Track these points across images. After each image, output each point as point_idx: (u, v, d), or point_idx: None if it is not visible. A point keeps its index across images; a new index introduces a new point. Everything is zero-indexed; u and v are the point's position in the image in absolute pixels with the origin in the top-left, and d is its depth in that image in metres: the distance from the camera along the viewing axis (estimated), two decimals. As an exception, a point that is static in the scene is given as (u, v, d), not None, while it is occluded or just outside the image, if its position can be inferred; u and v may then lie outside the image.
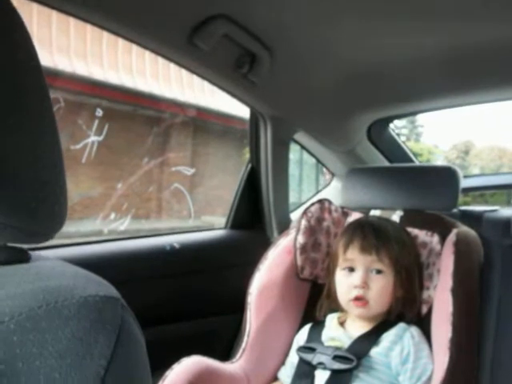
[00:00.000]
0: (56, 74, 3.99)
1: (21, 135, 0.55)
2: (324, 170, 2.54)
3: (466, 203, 2.04)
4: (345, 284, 1.47)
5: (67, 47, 4.31)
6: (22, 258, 0.60)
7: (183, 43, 1.37)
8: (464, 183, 1.65)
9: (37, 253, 0.64)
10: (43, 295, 0.48)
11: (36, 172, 0.56)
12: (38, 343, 0.45)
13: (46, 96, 0.59)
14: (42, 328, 0.46)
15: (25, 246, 0.62)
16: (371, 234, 1.47)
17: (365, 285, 1.43)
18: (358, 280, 1.43)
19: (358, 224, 1.56)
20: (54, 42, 4.18)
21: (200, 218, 5.22)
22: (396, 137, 2.33)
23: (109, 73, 4.68)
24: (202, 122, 5.85)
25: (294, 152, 2.60)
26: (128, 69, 4.85)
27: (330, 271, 1.57)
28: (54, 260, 0.63)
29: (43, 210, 0.58)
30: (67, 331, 0.46)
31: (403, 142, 2.39)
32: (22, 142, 0.55)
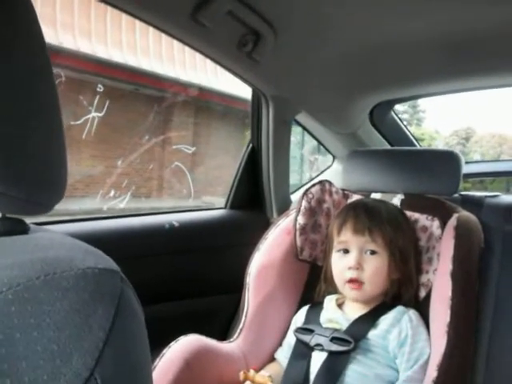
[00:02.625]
0: (60, 52, 3.98)
1: (18, 107, 0.54)
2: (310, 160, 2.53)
3: (465, 189, 2.03)
4: (339, 266, 1.48)
5: (71, 25, 4.29)
6: (21, 229, 0.60)
7: (187, 20, 1.35)
8: (464, 169, 1.65)
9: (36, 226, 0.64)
10: (41, 266, 0.48)
11: (36, 144, 0.56)
12: (35, 314, 0.45)
13: (49, 71, 0.59)
14: (40, 299, 0.45)
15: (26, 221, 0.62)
16: (364, 215, 1.47)
17: (359, 266, 1.43)
18: (351, 261, 1.43)
19: (351, 206, 1.57)
20: (59, 19, 4.16)
21: (200, 197, 5.21)
22: (398, 120, 2.33)
23: (113, 51, 4.66)
24: (203, 103, 5.83)
25: (296, 134, 2.59)
26: (132, 48, 4.82)
27: (327, 253, 1.57)
28: (53, 232, 0.63)
29: (43, 181, 0.57)
30: (65, 302, 0.46)
31: (405, 126, 2.38)
32: (20, 114, 0.54)
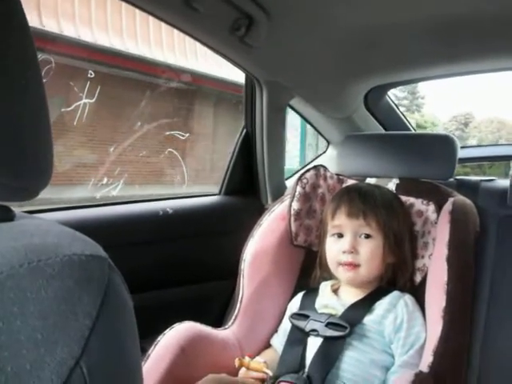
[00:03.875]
0: (59, 40, 3.95)
1: (4, 92, 0.53)
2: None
3: (465, 174, 2.03)
4: (334, 250, 1.48)
5: (72, 14, 4.26)
6: (6, 216, 0.59)
7: (179, 5, 1.34)
8: (461, 153, 1.64)
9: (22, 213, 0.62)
10: (25, 253, 0.47)
11: (21, 129, 0.54)
12: (18, 302, 0.44)
13: (32, 53, 0.57)
14: (24, 287, 0.44)
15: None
16: (357, 199, 1.47)
17: (353, 249, 1.43)
18: (346, 245, 1.43)
19: (345, 190, 1.57)
20: (60, 8, 4.14)
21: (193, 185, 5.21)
22: (393, 105, 2.31)
23: (114, 39, 4.63)
24: (197, 88, 5.80)
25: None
26: (122, 32, 4.79)
27: (321, 238, 1.57)
28: (40, 219, 0.62)
29: (28, 167, 0.56)
30: (50, 290, 0.45)
31: (401, 112, 2.37)
32: (5, 98, 0.53)
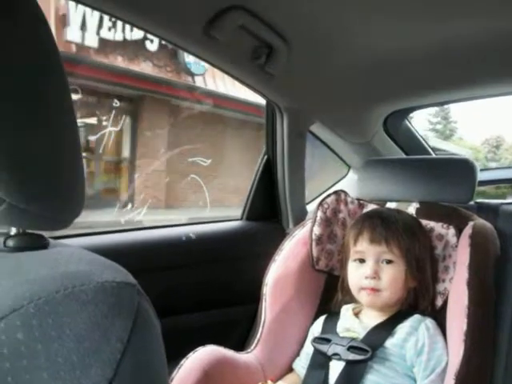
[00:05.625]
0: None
1: (41, 126, 0.56)
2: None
3: (503, 194, 1.99)
4: (356, 275, 1.48)
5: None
6: (41, 244, 0.62)
7: (199, 35, 1.37)
8: (481, 176, 1.64)
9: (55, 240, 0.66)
10: (61, 280, 0.49)
11: (55, 161, 0.58)
12: (56, 326, 0.46)
13: (67, 89, 0.61)
14: (60, 312, 0.47)
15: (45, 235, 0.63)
16: (380, 225, 1.47)
17: (376, 275, 1.43)
18: (368, 271, 1.44)
19: (367, 216, 1.57)
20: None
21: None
22: (413, 129, 2.32)
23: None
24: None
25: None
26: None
27: (343, 263, 1.58)
28: (71, 247, 0.64)
29: (61, 198, 0.59)
30: (84, 315, 0.47)
31: (421, 136, 2.37)
32: (42, 132, 0.56)
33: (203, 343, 1.43)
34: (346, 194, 1.71)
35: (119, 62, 4.93)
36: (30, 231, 0.61)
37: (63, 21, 4.65)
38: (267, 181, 2.04)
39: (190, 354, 1.39)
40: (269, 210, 2.05)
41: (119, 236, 1.71)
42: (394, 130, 2.24)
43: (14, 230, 0.62)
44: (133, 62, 4.98)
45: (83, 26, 4.71)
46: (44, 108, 0.56)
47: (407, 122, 2.29)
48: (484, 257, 1.43)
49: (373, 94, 1.97)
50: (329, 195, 1.68)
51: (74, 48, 4.87)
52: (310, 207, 2.10)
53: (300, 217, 1.97)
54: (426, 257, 1.49)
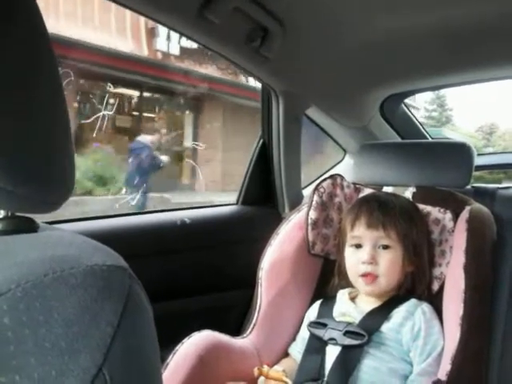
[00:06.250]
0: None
1: (29, 107, 0.55)
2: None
3: (499, 180, 1.99)
4: (353, 260, 1.48)
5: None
6: (30, 227, 0.61)
7: (194, 17, 1.35)
8: (478, 161, 1.64)
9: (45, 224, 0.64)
10: (50, 264, 0.48)
11: (44, 142, 0.56)
12: (44, 311, 0.45)
13: (56, 70, 0.59)
14: (48, 296, 0.46)
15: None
16: (377, 210, 1.47)
17: (373, 260, 1.43)
18: (365, 256, 1.43)
19: (364, 200, 1.56)
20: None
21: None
22: (409, 113, 2.31)
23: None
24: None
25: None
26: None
27: (340, 248, 1.57)
28: (61, 230, 0.64)
29: (51, 180, 0.58)
30: (73, 299, 0.46)
31: (417, 120, 2.36)
32: (30, 113, 0.55)
33: (198, 328, 1.43)
34: (342, 178, 1.70)
35: (194, 66, 5.76)
36: (18, 214, 0.60)
37: (152, 33, 5.45)
38: (263, 165, 2.03)
39: (185, 339, 1.38)
40: (264, 195, 2.04)
41: (113, 221, 1.70)
42: (390, 114, 2.23)
43: (2, 213, 0.61)
44: (201, 65, 5.78)
45: (168, 37, 5.54)
46: (33, 93, 0.55)
47: (403, 107, 2.28)
48: (481, 241, 1.43)
49: (369, 78, 1.96)
50: (324, 179, 1.67)
51: (160, 55, 5.72)
52: (306, 192, 2.09)
53: (296, 201, 1.96)
54: (423, 241, 1.49)
